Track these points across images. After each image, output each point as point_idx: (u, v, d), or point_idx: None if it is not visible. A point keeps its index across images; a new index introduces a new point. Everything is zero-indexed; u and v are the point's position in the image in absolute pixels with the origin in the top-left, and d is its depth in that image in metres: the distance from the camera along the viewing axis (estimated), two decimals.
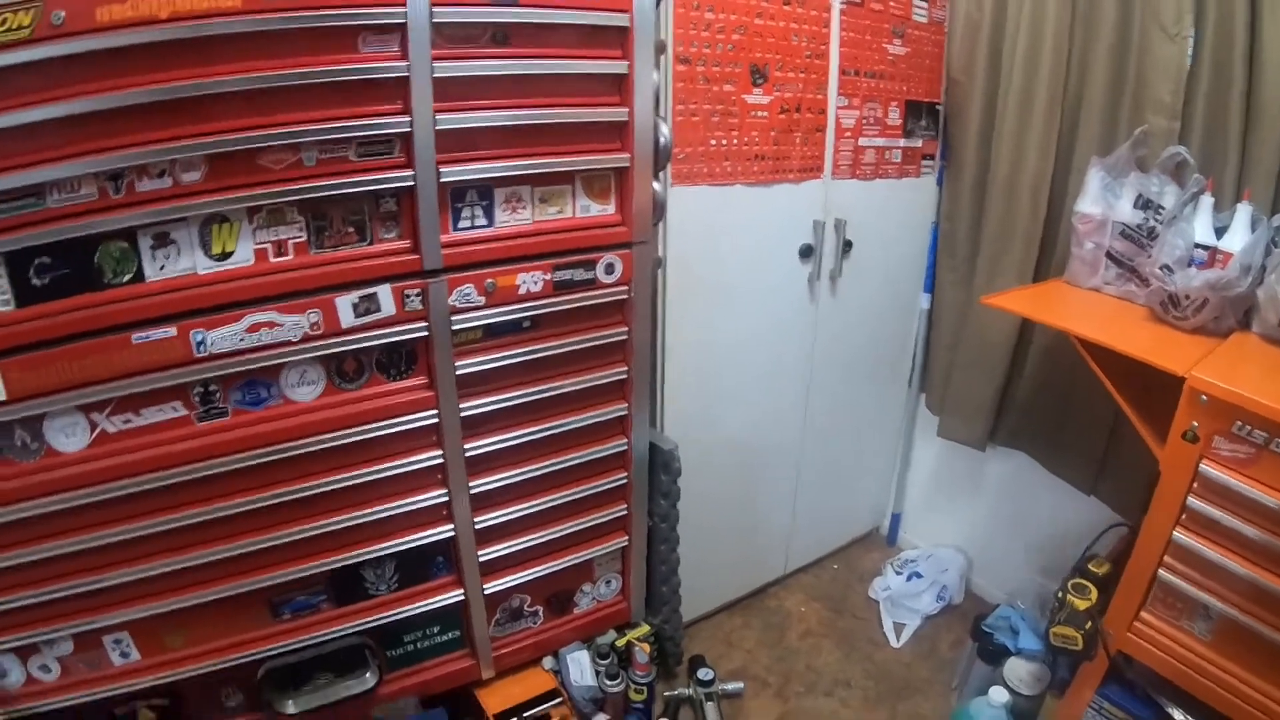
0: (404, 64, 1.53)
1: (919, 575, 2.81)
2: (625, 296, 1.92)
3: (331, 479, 1.74)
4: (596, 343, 1.92)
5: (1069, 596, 1.98)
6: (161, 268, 1.51)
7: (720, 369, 2.36)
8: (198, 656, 1.80)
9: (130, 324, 1.49)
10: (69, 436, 1.55)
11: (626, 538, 2.19)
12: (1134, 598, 1.84)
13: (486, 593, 2.01)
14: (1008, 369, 2.52)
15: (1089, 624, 1.94)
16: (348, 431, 1.72)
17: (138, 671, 1.77)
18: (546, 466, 1.97)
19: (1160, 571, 1.77)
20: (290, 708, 1.90)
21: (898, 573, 2.86)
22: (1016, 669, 2.17)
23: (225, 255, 1.55)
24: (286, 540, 1.76)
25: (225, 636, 1.82)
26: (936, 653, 2.63)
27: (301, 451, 1.69)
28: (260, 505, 1.70)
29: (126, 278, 1.50)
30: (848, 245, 2.46)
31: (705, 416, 2.36)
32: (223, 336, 1.56)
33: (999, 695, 2.03)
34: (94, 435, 1.56)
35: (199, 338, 1.54)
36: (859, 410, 2.85)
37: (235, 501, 1.68)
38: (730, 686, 2.34)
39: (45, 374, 1.47)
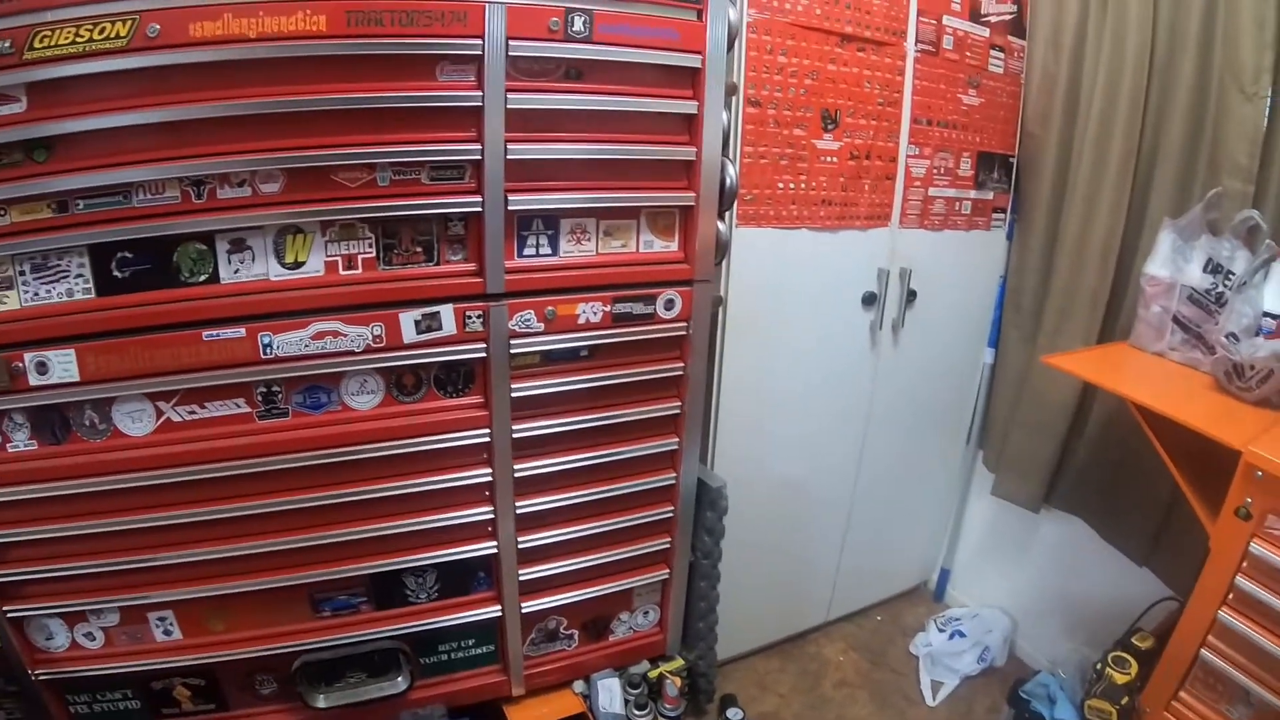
0: (479, 94, 1.59)
1: (962, 634, 2.75)
2: (684, 333, 1.94)
3: (382, 486, 1.80)
4: (652, 376, 1.95)
5: (1108, 669, 1.93)
6: (236, 271, 1.60)
7: (775, 411, 2.35)
8: (237, 642, 1.86)
9: (202, 322, 1.58)
10: (136, 421, 1.64)
11: (668, 571, 2.20)
12: (1174, 676, 1.77)
13: (524, 612, 2.04)
14: (1067, 431, 2.46)
15: (1125, 699, 1.88)
16: (402, 442, 1.77)
17: (178, 649, 1.84)
18: (593, 493, 1.99)
19: (1203, 651, 1.70)
20: (321, 701, 1.96)
21: (940, 630, 2.79)
22: None
23: (297, 265, 1.63)
24: (333, 541, 1.81)
25: (266, 626, 1.88)
26: (971, 715, 2.56)
27: (356, 457, 1.75)
28: (311, 505, 1.77)
29: (202, 278, 1.58)
30: (912, 295, 2.44)
31: (757, 457, 2.36)
32: (289, 341, 1.63)
33: None
34: (159, 422, 1.65)
35: (266, 340, 1.61)
36: (915, 462, 2.81)
37: (287, 499, 1.75)
38: None
39: (118, 361, 1.56)
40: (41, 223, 1.49)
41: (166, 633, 1.83)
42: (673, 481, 2.09)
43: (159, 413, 1.64)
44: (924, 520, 2.98)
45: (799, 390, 2.37)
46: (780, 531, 2.54)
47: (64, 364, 1.54)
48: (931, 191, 2.40)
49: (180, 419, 1.66)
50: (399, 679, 1.99)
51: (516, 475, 1.88)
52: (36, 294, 1.53)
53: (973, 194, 2.50)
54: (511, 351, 1.77)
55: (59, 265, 1.53)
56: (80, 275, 1.54)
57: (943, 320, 2.58)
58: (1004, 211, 2.61)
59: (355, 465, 1.76)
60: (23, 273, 1.52)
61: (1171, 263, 2.04)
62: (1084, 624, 2.52)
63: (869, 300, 2.38)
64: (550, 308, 1.77)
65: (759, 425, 2.33)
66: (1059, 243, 2.41)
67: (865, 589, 2.96)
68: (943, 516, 3.01)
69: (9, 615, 1.72)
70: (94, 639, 1.81)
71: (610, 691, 2.17)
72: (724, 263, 2.03)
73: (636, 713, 2.15)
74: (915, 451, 2.78)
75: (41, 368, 1.53)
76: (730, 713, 2.29)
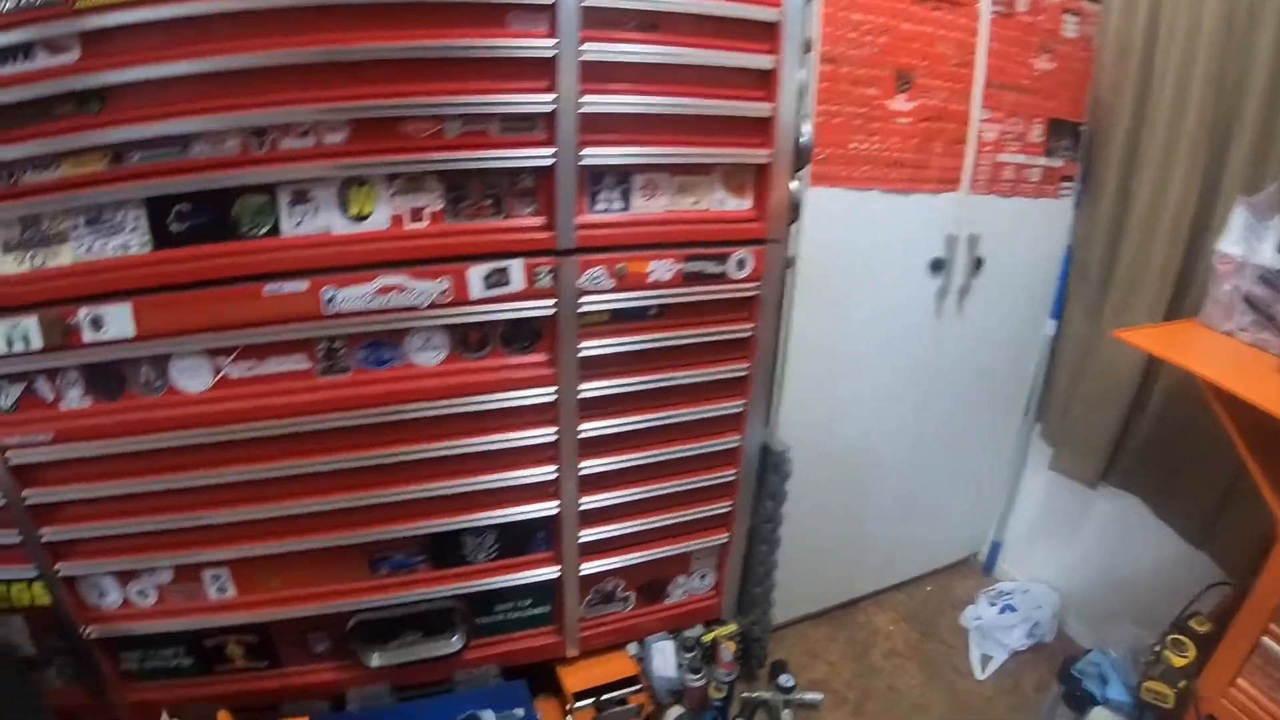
0: (552, 43, 1.54)
1: (1012, 609, 2.71)
2: (754, 293, 1.90)
3: (444, 445, 1.78)
4: (721, 337, 1.91)
5: (1166, 652, 1.90)
6: (298, 224, 1.57)
7: (839, 376, 2.31)
8: (293, 600, 1.86)
9: (263, 275, 1.55)
10: (192, 377, 1.62)
11: (727, 535, 2.17)
12: (1233, 662, 1.74)
13: (582, 574, 2.02)
14: (1129, 408, 2.40)
15: (1183, 683, 1.85)
16: (465, 400, 1.74)
17: (232, 607, 1.84)
18: (657, 455, 1.96)
19: (1264, 639, 1.67)
20: (375, 660, 1.96)
21: (991, 604, 2.76)
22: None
23: (362, 217, 1.60)
24: (393, 500, 1.79)
25: (322, 584, 1.88)
26: (1019, 690, 2.53)
27: (418, 415, 1.73)
28: (371, 463, 1.75)
29: (263, 231, 1.55)
30: (978, 262, 2.39)
31: (818, 422, 2.32)
32: (353, 296, 1.60)
33: None
34: (217, 379, 1.63)
35: (329, 295, 1.58)
36: (971, 432, 2.76)
37: (347, 457, 1.73)
38: (809, 696, 2.32)
39: (175, 316, 1.54)
40: (96, 175, 1.47)
41: (221, 590, 1.83)
42: (737, 444, 2.05)
43: (216, 369, 1.62)
44: (977, 492, 2.93)
45: (863, 355, 2.33)
46: (837, 498, 2.52)
47: (119, 320, 1.52)
48: (1001, 157, 2.33)
49: (238, 375, 1.64)
50: (454, 639, 1.99)
51: (581, 436, 1.85)
52: (90, 248, 1.51)
53: (1042, 161, 2.43)
54: (580, 309, 1.74)
55: (114, 219, 1.51)
56: (136, 229, 1.51)
57: (1007, 289, 2.52)
58: (1072, 180, 2.54)
59: (417, 424, 1.74)
60: (76, 226, 1.50)
61: (1244, 241, 1.97)
62: (1134, 604, 2.46)
63: (936, 266, 2.32)
64: (621, 264, 1.73)
65: (823, 389, 2.29)
66: (1128, 215, 2.34)
67: (916, 559, 2.94)
68: (996, 489, 2.95)
69: (61, 574, 1.72)
70: (147, 596, 1.81)
71: (664, 655, 2.16)
72: (795, 223, 1.97)
73: (691, 677, 2.13)
74: (972, 421, 2.73)
75: (96, 323, 1.52)
76: (782, 679, 2.27)
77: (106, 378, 1.60)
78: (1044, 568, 2.86)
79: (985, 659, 2.64)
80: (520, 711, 1.90)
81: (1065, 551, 2.77)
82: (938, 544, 2.99)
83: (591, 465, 1.91)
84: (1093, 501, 2.62)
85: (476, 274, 1.65)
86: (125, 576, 1.78)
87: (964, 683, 2.56)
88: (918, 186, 2.19)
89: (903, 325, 2.38)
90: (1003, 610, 2.72)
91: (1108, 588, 2.61)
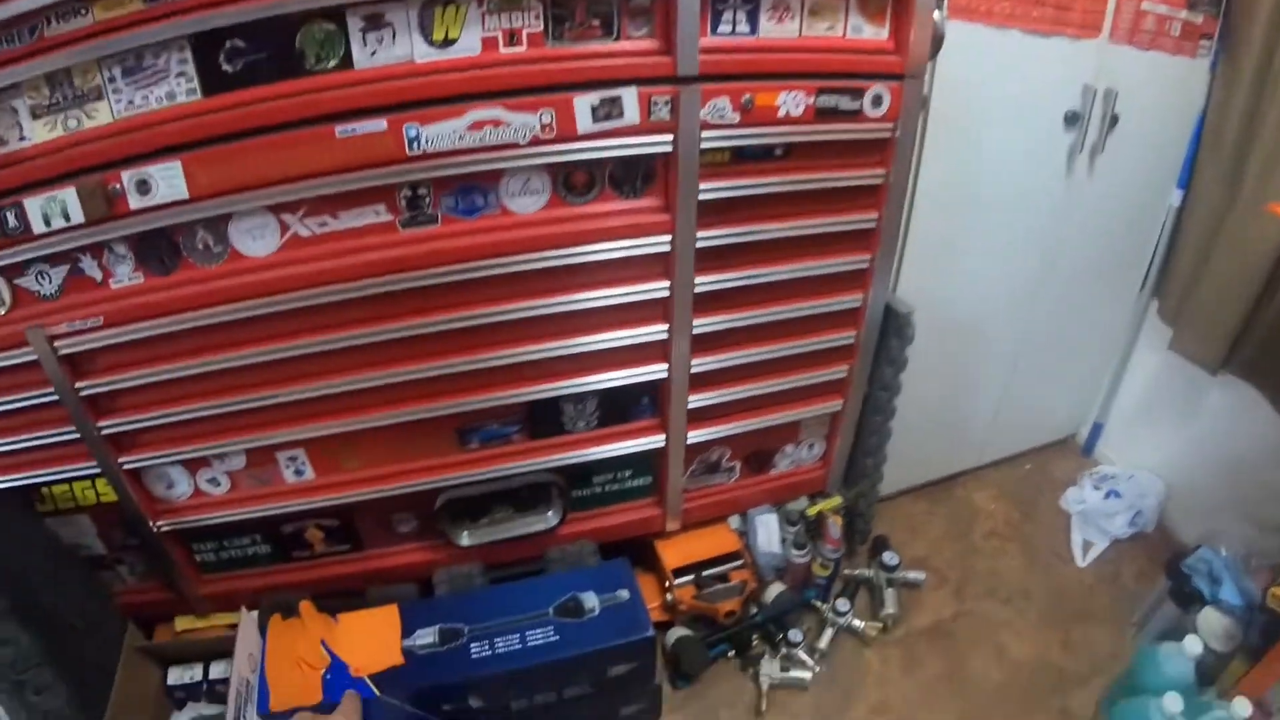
0: None
1: (1117, 494, 2.61)
2: (889, 135, 1.69)
3: (545, 302, 1.63)
4: (850, 183, 1.72)
5: None
6: (373, 54, 1.38)
7: (963, 232, 2.13)
8: (377, 480, 1.78)
9: (334, 115, 1.37)
10: (256, 239, 1.47)
11: (841, 402, 2.05)
12: None
13: (689, 442, 1.91)
14: (1260, 291, 2.22)
15: None
16: (570, 250, 1.58)
17: (311, 490, 1.76)
18: (775, 313, 1.81)
19: None
20: (465, 539, 1.88)
21: (1095, 488, 2.66)
22: (1211, 621, 1.95)
23: (448, 42, 1.40)
24: (485, 366, 1.66)
25: (407, 461, 1.78)
26: (1119, 580, 2.45)
27: (515, 269, 1.57)
28: (462, 325, 1.61)
29: (332, 64, 1.36)
30: (1114, 120, 2.18)
31: (938, 282, 2.14)
32: (440, 133, 1.42)
33: (1194, 646, 1.80)
34: (284, 239, 1.47)
35: (412, 133, 1.41)
36: (1085, 303, 2.57)
37: (435, 319, 1.59)
38: (912, 575, 2.27)
39: (233, 170, 1.37)
40: (131, 16, 1.26)
41: (298, 473, 1.75)
42: (859, 304, 1.89)
43: (284, 227, 1.47)
44: (1084, 368, 2.78)
45: (990, 212, 2.14)
46: (947, 366, 2.37)
47: (169, 180, 1.36)
48: (1145, 5, 2.10)
49: (309, 233, 1.48)
50: (549, 513, 1.91)
51: (697, 291, 1.69)
52: (131, 101, 1.33)
53: (1184, 14, 2.18)
54: (701, 146, 1.54)
55: (155, 64, 1.32)
56: (182, 74, 1.33)
57: (1138, 152, 2.30)
58: (1210, 39, 2.30)
59: (514, 279, 1.58)
60: (113, 79, 1.32)
61: None
62: (1244, 502, 2.33)
63: (1071, 120, 2.11)
64: (748, 95, 1.53)
65: (947, 247, 2.11)
66: (1271, 81, 2.12)
67: (1016, 436, 2.83)
68: (1103, 366, 2.79)
69: (125, 466, 1.64)
70: (218, 484, 1.74)
71: (768, 528, 2.09)
72: (935, 58, 1.77)
73: (795, 552, 2.06)
74: (1087, 291, 2.55)
75: (143, 187, 1.36)
76: (885, 556, 2.20)
77: (159, 248, 1.45)
78: (1147, 454, 2.73)
79: (1087, 545, 2.56)
80: (624, 593, 1.79)
81: (1172, 439, 2.63)
82: (1039, 421, 2.87)
83: (706, 324, 1.75)
84: (1207, 389, 2.46)
85: (583, 105, 1.46)
86: (194, 465, 1.70)
87: (1064, 569, 2.49)
88: (1059, 29, 1.96)
89: (1032, 183, 2.18)
90: (1107, 495, 2.62)
91: (1216, 482, 2.47)
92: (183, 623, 1.93)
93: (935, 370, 2.27)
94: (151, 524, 1.72)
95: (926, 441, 2.51)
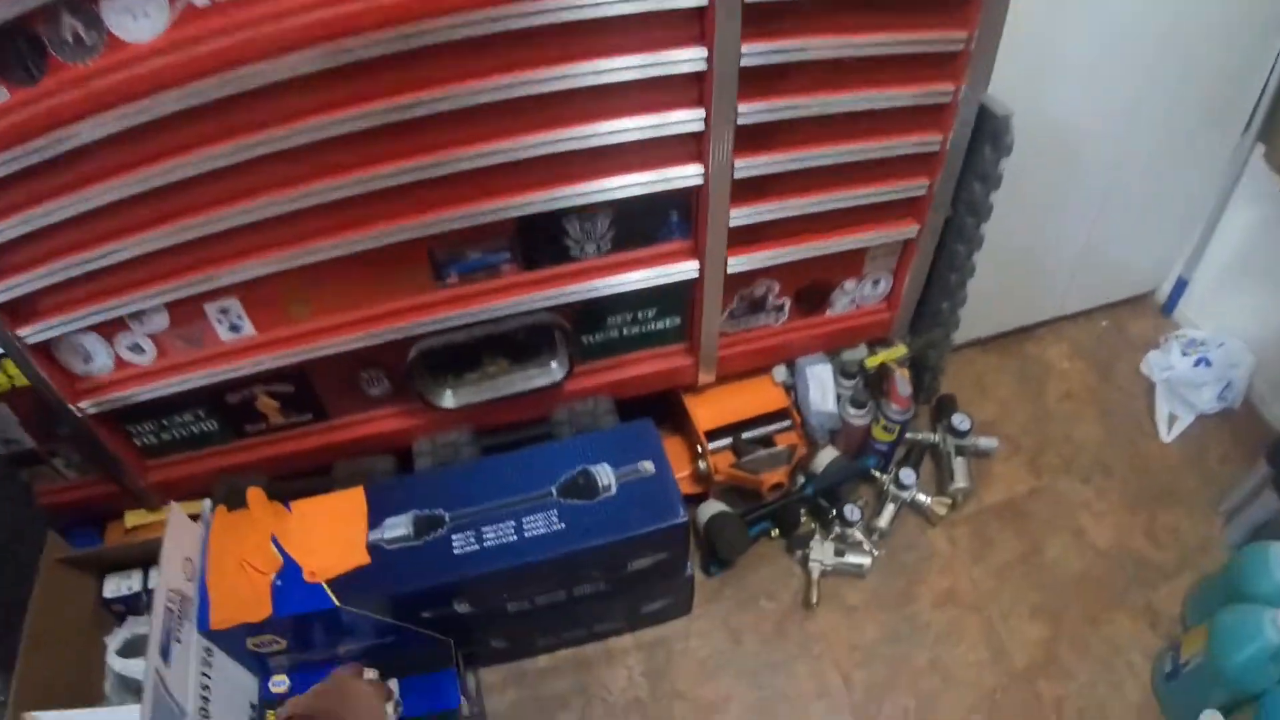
0: None
1: (1208, 363, 2.34)
2: None
3: (536, 75, 1.26)
4: None
5: None
6: None
7: (1064, 22, 1.77)
8: (331, 330, 1.55)
9: None
10: (137, 19, 1.11)
11: (917, 226, 1.72)
12: None
13: (730, 272, 1.63)
14: None
15: None
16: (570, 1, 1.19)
17: (252, 349, 1.55)
18: (841, 103, 1.43)
19: None
20: (449, 400, 1.66)
21: (1184, 354, 2.39)
22: None
23: None
24: (460, 168, 1.33)
25: (369, 305, 1.55)
26: (1203, 460, 2.22)
27: (496, 28, 1.18)
28: (429, 111, 1.24)
29: None
30: None
31: (1034, 85, 1.77)
32: None
33: None
34: (176, 13, 1.11)
35: None
36: (1182, 141, 2.24)
37: (393, 103, 1.22)
38: (984, 443, 2.04)
39: None
40: None
41: (234, 329, 1.53)
42: (948, 99, 1.51)
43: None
44: (1175, 213, 2.46)
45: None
46: (1031, 194, 2.02)
47: None
48: None
49: (206, 2, 1.10)
50: (553, 364, 1.68)
51: (742, 63, 1.30)
52: None
53: None
54: None
55: None
56: None
57: None
58: None
59: (495, 44, 1.20)
60: None
61: None
62: None
63: None
64: None
65: (1048, 36, 1.73)
66: None
67: (1094, 286, 2.55)
68: (1196, 214, 2.46)
69: (28, 340, 1.42)
70: (142, 351, 1.53)
71: (821, 382, 1.84)
72: None
73: (853, 411, 1.81)
74: (1185, 128, 2.21)
75: None
76: (956, 419, 1.95)
77: (20, 50, 1.11)
78: (1235, 319, 2.45)
79: (1172, 418, 2.32)
80: (648, 464, 1.54)
81: (1269, 304, 2.36)
82: (1119, 273, 2.58)
83: (754, 111, 1.37)
84: None
85: None
86: (109, 330, 1.48)
87: (1146, 444, 2.26)
88: None
89: None
90: (1197, 363, 2.36)
91: None
92: (133, 518, 1.79)
93: (1021, 197, 1.93)
94: (73, 406, 1.52)
95: (1000, 285, 2.20)
